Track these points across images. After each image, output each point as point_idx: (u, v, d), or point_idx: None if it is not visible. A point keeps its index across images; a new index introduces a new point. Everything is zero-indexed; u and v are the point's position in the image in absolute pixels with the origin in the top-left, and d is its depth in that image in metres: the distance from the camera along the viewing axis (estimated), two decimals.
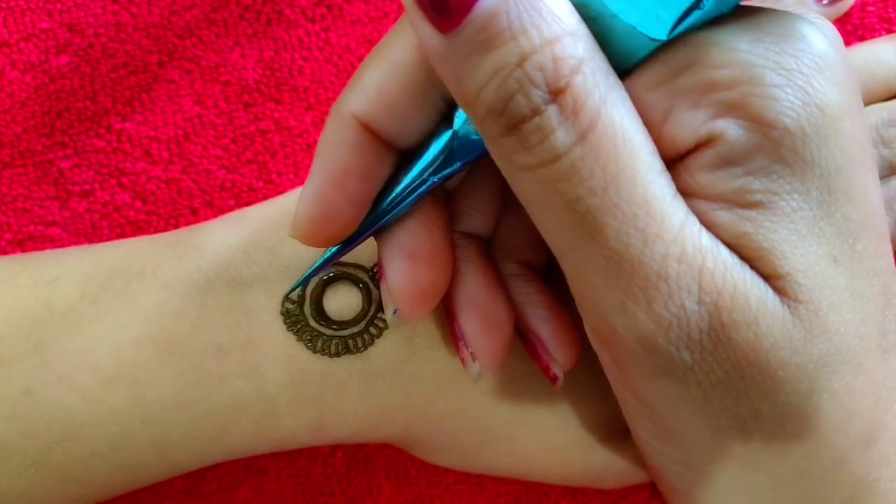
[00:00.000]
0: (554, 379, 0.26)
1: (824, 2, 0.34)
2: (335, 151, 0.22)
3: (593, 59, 0.19)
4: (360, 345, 0.26)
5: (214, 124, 0.34)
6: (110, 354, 0.25)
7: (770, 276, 0.20)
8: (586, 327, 0.22)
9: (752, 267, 0.20)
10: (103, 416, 0.25)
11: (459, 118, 0.22)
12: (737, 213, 0.20)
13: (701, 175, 0.20)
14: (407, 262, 0.24)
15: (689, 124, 0.20)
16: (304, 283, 0.26)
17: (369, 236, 0.24)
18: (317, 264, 0.25)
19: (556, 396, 0.28)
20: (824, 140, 0.19)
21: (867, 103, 0.31)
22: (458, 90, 0.20)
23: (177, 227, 0.33)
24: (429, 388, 0.27)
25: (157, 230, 0.33)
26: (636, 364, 0.21)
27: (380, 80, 0.22)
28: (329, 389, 0.26)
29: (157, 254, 0.27)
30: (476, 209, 0.26)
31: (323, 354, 0.26)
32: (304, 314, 0.26)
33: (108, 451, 0.25)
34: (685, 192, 0.20)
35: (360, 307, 0.27)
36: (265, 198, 0.33)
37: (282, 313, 0.26)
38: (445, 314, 0.26)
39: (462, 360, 0.25)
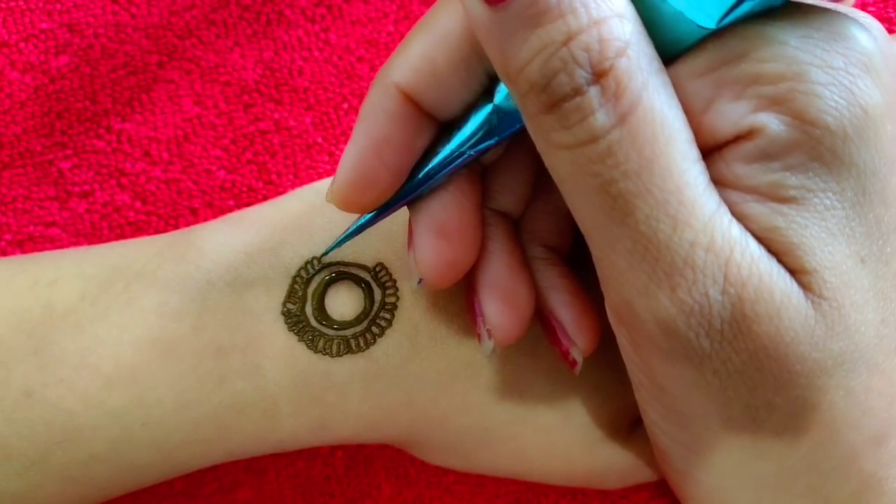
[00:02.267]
0: (573, 364, 0.26)
1: (824, 3, 0.34)
2: (376, 119, 0.23)
3: (639, 42, 0.19)
4: (361, 345, 0.26)
5: (214, 125, 0.34)
6: (110, 356, 0.25)
7: (796, 271, 0.20)
8: (607, 307, 0.23)
9: (780, 261, 0.20)
10: (103, 418, 0.25)
11: (500, 92, 0.22)
12: (770, 206, 0.20)
13: (737, 166, 0.20)
14: (437, 235, 0.24)
15: (731, 115, 0.20)
16: (336, 247, 0.26)
17: (403, 205, 0.24)
18: (350, 230, 0.25)
19: (558, 396, 0.28)
20: (864, 142, 0.20)
21: None
22: (502, 64, 0.20)
23: (176, 227, 0.33)
24: (431, 387, 0.27)
25: (156, 231, 0.33)
26: (654, 347, 0.21)
27: (425, 50, 0.22)
28: (330, 390, 0.26)
29: (157, 254, 0.27)
30: (509, 188, 0.26)
31: (324, 354, 0.26)
32: (305, 314, 0.26)
33: (108, 452, 0.25)
34: (719, 182, 0.20)
35: (361, 307, 0.27)
36: (265, 198, 0.33)
37: (283, 313, 0.26)
38: (466, 288, 0.26)
39: (478, 335, 0.25)
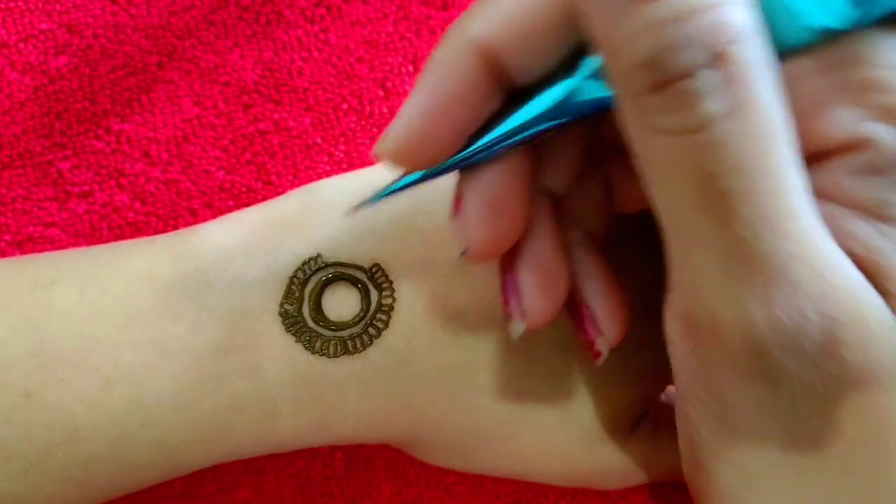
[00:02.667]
0: (598, 354, 0.25)
1: None
2: (448, 75, 0.21)
3: (757, 32, 0.18)
4: (358, 346, 0.26)
5: (213, 125, 0.34)
6: (109, 356, 0.25)
7: (892, 296, 0.19)
8: (673, 315, 0.21)
9: (877, 284, 0.19)
10: (102, 419, 0.25)
11: (583, 70, 0.20)
12: (874, 224, 0.19)
13: (843, 178, 0.19)
14: (488, 209, 0.22)
15: (843, 121, 0.19)
16: (380, 199, 0.23)
17: (456, 170, 0.23)
18: (398, 184, 0.23)
19: (557, 396, 0.28)
20: None
21: None
22: (606, 33, 0.18)
23: (176, 228, 0.33)
24: (429, 388, 0.27)
25: (156, 231, 0.33)
26: (730, 362, 0.20)
27: (513, 7, 0.20)
28: (329, 390, 0.26)
29: (156, 255, 0.27)
30: (556, 166, 0.24)
31: (322, 355, 0.26)
32: (302, 315, 0.26)
33: (107, 453, 0.25)
34: (820, 194, 0.19)
35: (358, 308, 0.27)
36: (264, 199, 0.33)
37: (280, 314, 0.26)
38: (502, 265, 0.24)
39: (510, 314, 0.24)
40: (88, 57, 0.33)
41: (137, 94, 0.34)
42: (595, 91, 0.20)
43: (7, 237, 0.33)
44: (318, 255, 0.27)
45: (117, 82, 0.33)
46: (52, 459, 0.25)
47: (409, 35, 0.34)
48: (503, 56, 0.21)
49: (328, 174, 0.33)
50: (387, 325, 0.26)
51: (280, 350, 0.26)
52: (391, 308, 0.27)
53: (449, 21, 0.34)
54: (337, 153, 0.34)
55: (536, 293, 0.23)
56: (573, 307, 0.25)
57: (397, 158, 0.22)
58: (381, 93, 0.34)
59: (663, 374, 0.27)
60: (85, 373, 0.25)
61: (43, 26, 0.33)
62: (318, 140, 0.34)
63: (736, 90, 0.17)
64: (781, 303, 0.18)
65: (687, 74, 0.17)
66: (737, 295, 0.19)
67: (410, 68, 0.34)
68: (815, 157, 0.19)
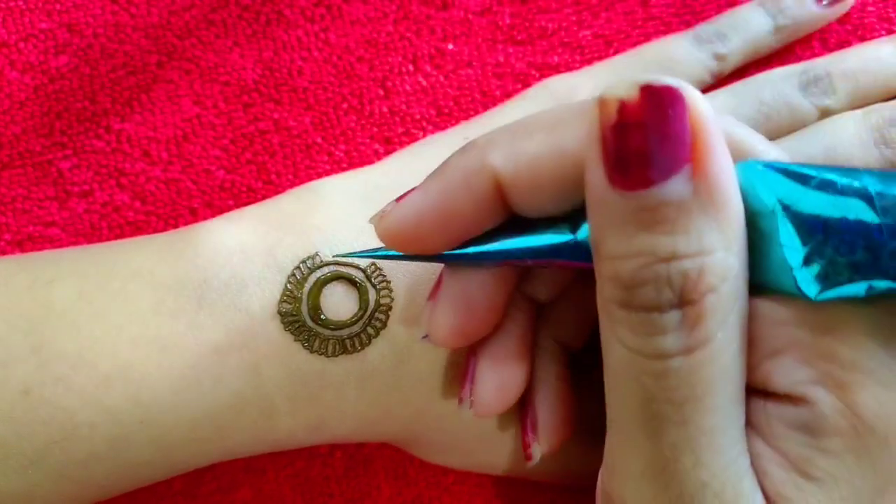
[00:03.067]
0: (528, 457, 0.26)
1: (824, 2, 0.34)
2: (457, 189, 0.22)
3: (736, 278, 0.19)
4: (357, 345, 0.26)
5: (213, 125, 0.34)
6: (108, 354, 0.25)
7: None
8: (602, 485, 0.23)
9: None
10: (101, 416, 0.25)
11: (584, 230, 0.22)
12: (791, 476, 0.20)
13: (777, 425, 0.20)
14: (462, 307, 0.24)
15: (792, 377, 0.20)
16: (362, 256, 0.25)
17: (438, 262, 0.24)
18: (381, 252, 0.24)
19: None
20: None
21: (868, 104, 0.31)
22: (598, 241, 0.20)
23: (176, 227, 0.33)
24: (427, 387, 0.27)
25: (156, 230, 0.33)
26: None
27: (539, 155, 0.21)
28: (327, 389, 0.26)
29: (154, 253, 0.27)
30: (545, 279, 0.26)
31: (320, 354, 0.26)
32: (300, 314, 0.26)
33: (106, 451, 0.25)
34: (752, 424, 0.21)
35: (356, 307, 0.27)
36: (264, 198, 0.33)
37: (279, 313, 0.26)
38: (469, 350, 0.26)
39: (460, 398, 0.26)
40: (88, 56, 0.33)
41: (137, 94, 0.34)
42: (584, 255, 0.21)
43: (7, 236, 0.33)
44: (317, 254, 0.27)
45: (117, 82, 0.33)
46: (50, 457, 0.25)
47: (408, 34, 0.34)
48: (512, 194, 0.22)
49: (328, 174, 0.33)
50: (385, 324, 0.26)
51: (278, 349, 0.26)
52: (389, 307, 0.27)
53: (449, 21, 0.34)
54: (337, 153, 0.34)
55: (487, 389, 0.25)
56: (523, 405, 0.26)
57: (384, 236, 0.23)
58: (381, 92, 0.34)
59: None
60: (83, 371, 0.25)
61: (43, 26, 0.34)
62: (318, 140, 0.34)
63: (696, 334, 0.19)
64: None
65: (654, 309, 0.19)
66: (647, 501, 0.20)
67: (410, 68, 0.34)
68: (759, 393, 0.21)
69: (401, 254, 0.24)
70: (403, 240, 0.23)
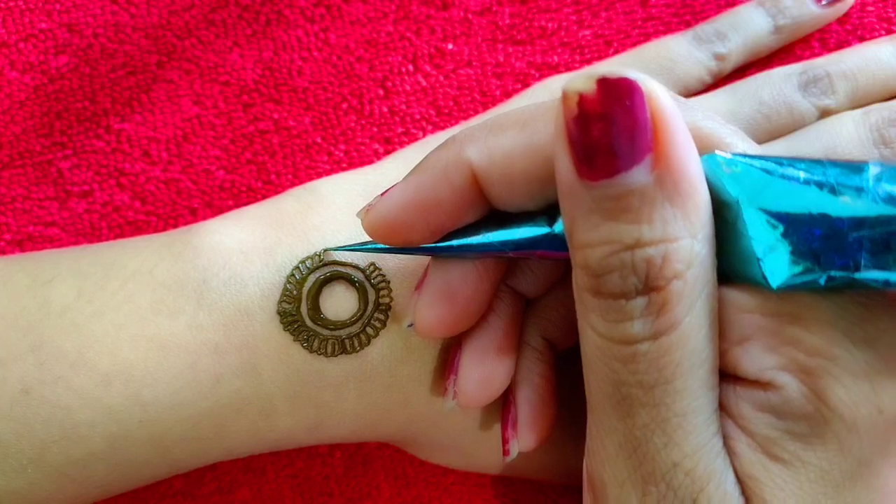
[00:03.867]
0: (506, 452, 0.27)
1: (824, 2, 0.34)
2: (437, 181, 0.23)
3: (702, 265, 0.20)
4: (356, 345, 0.26)
5: (213, 125, 0.34)
6: (107, 353, 0.25)
7: None
8: (585, 466, 0.23)
9: None
10: (100, 416, 0.25)
11: (558, 225, 0.22)
12: (759, 456, 0.20)
13: (745, 407, 0.21)
14: (446, 297, 0.24)
15: (759, 363, 0.20)
16: (344, 250, 0.26)
17: (421, 255, 0.24)
18: (367, 246, 0.25)
19: None
20: (870, 439, 0.20)
21: (867, 103, 0.31)
22: (569, 228, 0.20)
23: (176, 227, 0.33)
24: (425, 388, 0.27)
25: (155, 230, 0.33)
26: None
27: (511, 150, 0.22)
28: (326, 389, 0.26)
29: (154, 253, 0.27)
30: (531, 273, 0.26)
31: (319, 354, 0.26)
32: (300, 314, 0.26)
33: (105, 450, 0.25)
34: (724, 408, 0.21)
35: (356, 307, 0.27)
36: (264, 198, 0.33)
37: (279, 313, 0.26)
38: (454, 342, 0.26)
39: (444, 389, 0.26)
40: (88, 56, 0.33)
41: (137, 94, 0.34)
42: (562, 246, 0.22)
43: (7, 236, 0.33)
44: (316, 254, 0.27)
45: (117, 82, 0.33)
46: (49, 456, 0.25)
47: (408, 34, 0.34)
48: (488, 187, 0.23)
49: (328, 173, 0.33)
50: (384, 324, 0.26)
51: (277, 349, 0.26)
52: (389, 307, 0.27)
53: (449, 21, 0.34)
54: (337, 152, 0.34)
55: (469, 381, 0.25)
56: (505, 401, 0.27)
57: (371, 232, 0.24)
58: (380, 92, 0.34)
59: None
60: (83, 370, 0.25)
61: (43, 26, 0.34)
62: (318, 139, 0.34)
63: (662, 319, 0.19)
64: (655, 500, 0.20)
65: (621, 296, 0.19)
66: (623, 480, 0.21)
67: (410, 67, 0.34)
68: (731, 377, 0.21)
69: (386, 247, 0.24)
70: (387, 232, 0.24)
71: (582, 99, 0.18)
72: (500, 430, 0.27)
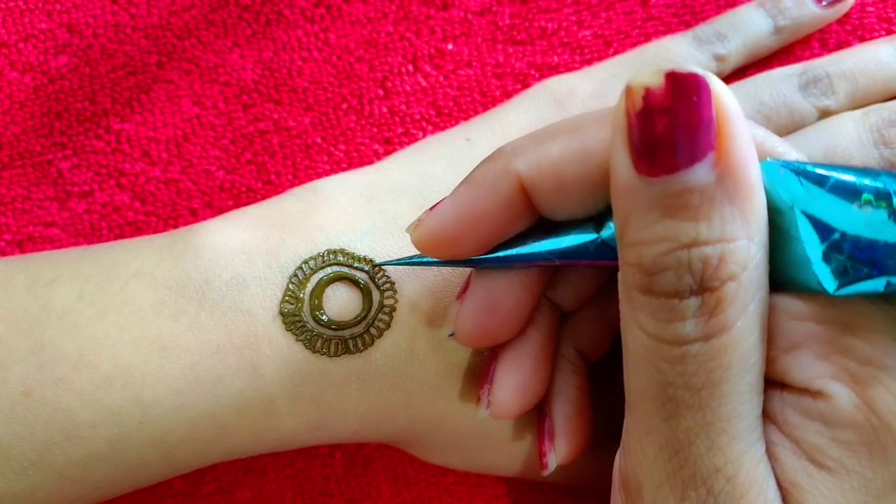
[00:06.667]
0: (544, 466, 0.26)
1: (824, 3, 0.34)
2: (485, 194, 0.23)
3: (756, 268, 0.19)
4: (360, 346, 0.26)
5: (213, 125, 0.34)
6: (108, 355, 0.25)
7: None
8: (618, 468, 0.23)
9: None
10: (101, 417, 0.25)
11: (610, 228, 0.22)
12: (803, 463, 0.20)
13: (792, 414, 0.20)
14: (489, 309, 0.24)
15: (810, 371, 0.20)
16: (397, 264, 0.26)
17: (471, 267, 0.25)
18: (415, 259, 0.25)
19: None
20: None
21: (867, 104, 0.31)
22: (622, 227, 0.20)
23: (176, 227, 0.33)
24: (429, 389, 0.27)
25: (156, 231, 0.33)
26: None
27: (561, 157, 0.22)
28: (328, 389, 0.26)
29: (155, 254, 0.27)
30: (571, 287, 0.26)
31: (322, 355, 0.26)
32: (302, 314, 0.26)
33: (106, 451, 0.25)
34: (768, 414, 0.21)
35: (359, 308, 0.27)
36: (264, 198, 0.33)
37: (281, 313, 0.26)
38: (490, 353, 0.26)
39: (478, 398, 0.26)
40: (88, 57, 0.33)
41: (137, 94, 0.34)
42: (610, 253, 0.22)
43: (7, 237, 0.33)
44: (319, 255, 0.26)
45: (117, 82, 0.33)
46: (50, 457, 0.25)
47: (408, 35, 0.34)
48: (537, 197, 0.22)
49: (328, 174, 0.33)
50: (388, 325, 0.26)
51: (279, 349, 0.26)
52: (393, 309, 0.27)
53: (449, 21, 0.34)
54: (337, 153, 0.34)
55: (505, 391, 0.25)
56: (540, 413, 0.27)
57: (420, 247, 0.24)
58: (380, 92, 0.34)
59: None
60: (84, 371, 0.25)
61: (43, 26, 0.33)
62: (318, 140, 0.34)
63: (715, 321, 0.19)
64: (694, 503, 0.20)
65: (674, 295, 0.19)
66: (661, 482, 0.21)
67: (410, 68, 0.34)
68: (777, 383, 0.21)
69: (435, 260, 0.24)
70: (437, 246, 0.24)
71: (648, 93, 0.18)
72: (537, 443, 0.27)
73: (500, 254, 0.24)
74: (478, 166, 0.23)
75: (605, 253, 0.22)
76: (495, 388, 0.25)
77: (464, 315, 0.25)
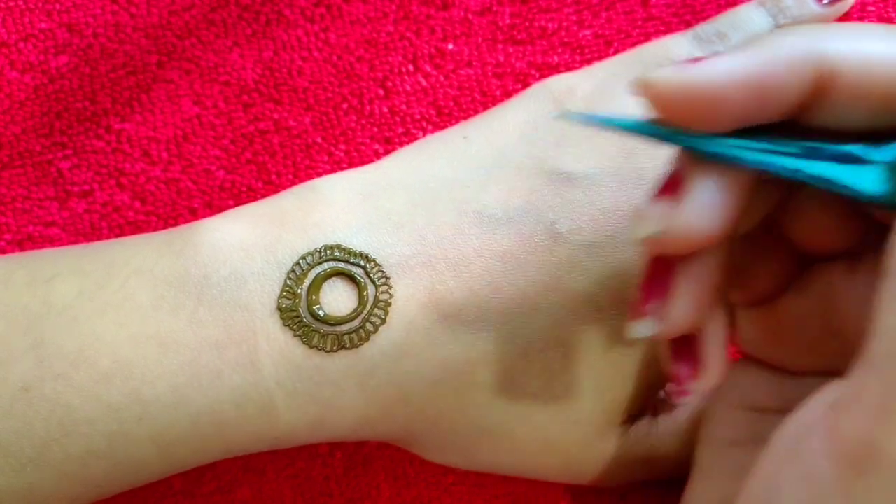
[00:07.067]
0: (685, 393, 0.23)
1: (824, 1, 0.34)
2: (777, 66, 0.20)
3: None
4: (356, 341, 0.26)
5: (213, 125, 0.34)
6: (108, 351, 0.25)
7: None
8: (827, 435, 0.19)
9: None
10: (100, 413, 0.25)
11: (886, 153, 0.19)
12: None
13: None
14: (715, 203, 0.21)
15: None
16: (608, 123, 0.22)
17: (701, 152, 0.21)
18: (631, 123, 0.21)
19: (553, 395, 0.27)
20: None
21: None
22: None
23: (176, 227, 0.33)
24: (426, 385, 0.27)
25: (156, 230, 0.33)
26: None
27: (881, 56, 0.19)
28: (326, 385, 0.26)
29: (154, 251, 0.27)
30: (753, 211, 0.24)
31: (319, 350, 0.26)
32: (300, 310, 0.26)
33: (105, 448, 0.25)
34: None
35: (356, 303, 0.27)
36: (264, 198, 0.33)
37: (279, 308, 0.26)
38: (656, 264, 0.23)
39: (643, 313, 0.23)
40: (88, 56, 0.33)
41: (137, 94, 0.34)
42: (880, 185, 0.19)
43: (7, 236, 0.33)
44: (316, 251, 0.27)
45: (117, 82, 0.34)
46: (49, 454, 0.25)
47: (408, 34, 0.34)
48: (835, 91, 0.20)
49: (328, 173, 0.33)
50: (384, 320, 0.26)
51: (277, 345, 0.26)
52: (388, 304, 0.27)
53: (449, 21, 0.34)
54: (337, 152, 0.34)
55: (685, 306, 0.22)
56: (684, 343, 0.23)
57: (673, 106, 0.20)
58: (381, 92, 0.34)
59: (656, 373, 0.28)
60: (83, 368, 0.25)
61: (43, 26, 0.34)
62: (318, 139, 0.34)
63: None
64: None
65: None
66: None
67: (410, 68, 0.34)
68: None
69: (662, 130, 0.20)
70: (699, 111, 0.20)
71: None
72: (675, 371, 0.24)
73: (753, 148, 0.20)
74: (770, 36, 0.20)
75: (874, 182, 0.19)
76: (675, 301, 0.22)
77: (689, 208, 0.21)
